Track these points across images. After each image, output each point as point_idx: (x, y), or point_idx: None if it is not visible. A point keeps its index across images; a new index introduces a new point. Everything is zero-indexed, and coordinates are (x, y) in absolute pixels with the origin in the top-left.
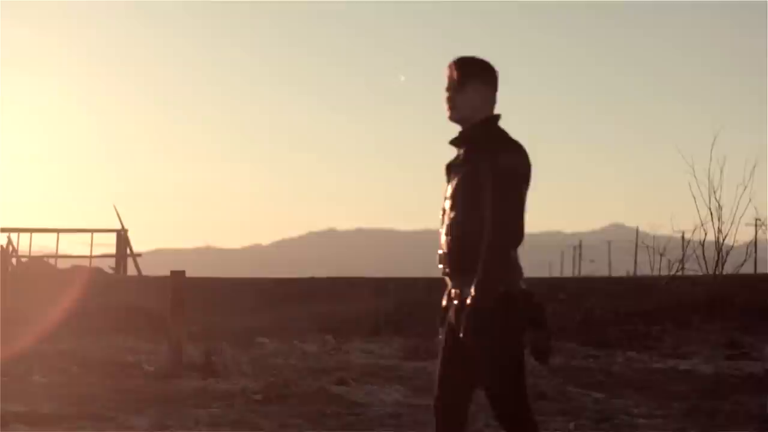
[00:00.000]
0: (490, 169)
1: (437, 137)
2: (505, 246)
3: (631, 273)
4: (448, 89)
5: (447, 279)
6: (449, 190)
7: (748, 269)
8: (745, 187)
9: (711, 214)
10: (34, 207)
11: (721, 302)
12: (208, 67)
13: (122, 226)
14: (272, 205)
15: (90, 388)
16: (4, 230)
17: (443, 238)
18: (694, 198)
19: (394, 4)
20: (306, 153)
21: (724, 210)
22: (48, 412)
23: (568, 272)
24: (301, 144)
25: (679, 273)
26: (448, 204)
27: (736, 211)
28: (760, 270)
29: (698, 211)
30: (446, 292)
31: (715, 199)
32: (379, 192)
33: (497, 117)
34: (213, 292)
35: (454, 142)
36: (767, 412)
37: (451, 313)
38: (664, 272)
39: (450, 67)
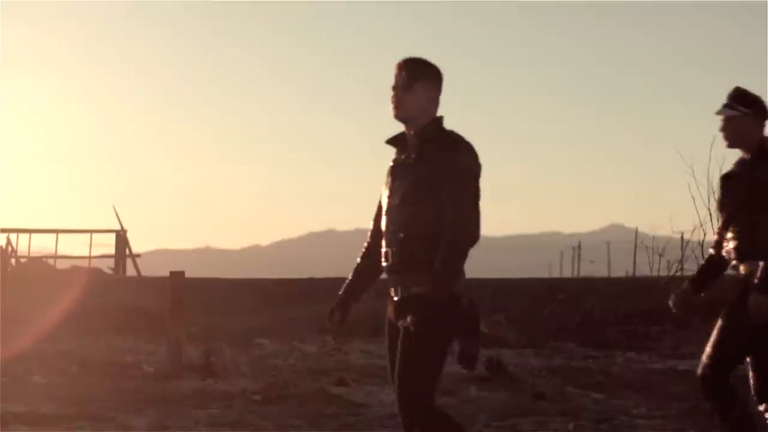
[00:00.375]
0: (447, 169)
1: None
2: (464, 245)
3: (631, 273)
4: (395, 88)
5: (391, 276)
6: (399, 189)
7: None
8: None
9: (710, 214)
10: (34, 207)
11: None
12: (209, 67)
13: (121, 227)
14: (272, 205)
15: (89, 388)
16: (3, 231)
17: (393, 236)
18: (694, 198)
19: (395, 4)
20: (305, 153)
21: None
22: (47, 413)
23: (567, 273)
24: (300, 145)
25: (679, 273)
26: (396, 202)
27: None
28: None
29: (697, 211)
30: (346, 285)
31: (715, 199)
32: (378, 192)
33: (442, 118)
34: (212, 292)
35: (396, 141)
36: None
37: (391, 309)
38: (664, 273)
39: (398, 66)
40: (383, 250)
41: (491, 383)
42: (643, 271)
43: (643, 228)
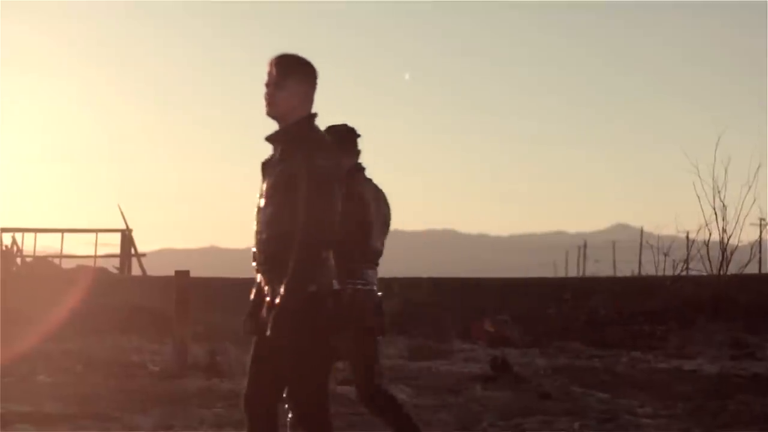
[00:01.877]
0: (305, 169)
1: (439, 138)
2: (316, 246)
3: (636, 273)
4: (268, 85)
5: (260, 276)
6: (265, 188)
7: (752, 269)
8: (750, 187)
9: (715, 214)
10: (39, 207)
11: (725, 302)
12: (213, 66)
13: (127, 226)
14: None
15: (94, 387)
16: (8, 230)
17: (258, 236)
18: (699, 198)
19: (397, 5)
20: None
21: (728, 210)
22: (52, 412)
23: (572, 272)
24: None
25: (684, 273)
26: (262, 202)
27: (740, 211)
28: (765, 270)
29: (703, 211)
30: (255, 289)
31: (720, 199)
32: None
33: (314, 116)
34: (217, 292)
35: (270, 139)
36: None
37: (264, 311)
38: (669, 272)
39: (270, 63)
40: (253, 250)
41: (497, 382)
42: (649, 270)
43: (649, 227)
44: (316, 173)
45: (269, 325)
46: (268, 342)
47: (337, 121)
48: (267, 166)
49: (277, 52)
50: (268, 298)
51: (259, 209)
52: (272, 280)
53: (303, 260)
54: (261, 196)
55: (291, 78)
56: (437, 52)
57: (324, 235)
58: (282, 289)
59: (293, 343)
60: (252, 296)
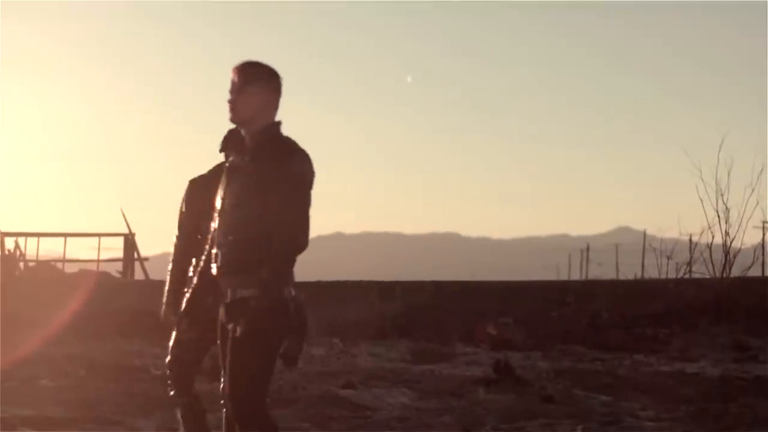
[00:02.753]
0: (279, 175)
1: (445, 141)
2: (293, 251)
3: (639, 276)
4: (231, 92)
5: (221, 278)
6: (232, 191)
7: (755, 272)
8: (753, 190)
9: (718, 216)
10: (41, 210)
11: (728, 305)
12: (213, 67)
13: (129, 230)
14: None
15: (97, 391)
16: (11, 235)
17: (223, 238)
18: (702, 201)
19: (396, 4)
20: (313, 157)
21: (731, 212)
22: (55, 416)
23: (575, 275)
24: (307, 147)
25: (687, 276)
26: (228, 204)
27: (743, 214)
28: None
29: (705, 213)
30: (195, 288)
31: (723, 201)
32: (385, 195)
33: (280, 123)
34: None
35: (226, 146)
36: None
37: (222, 312)
38: (672, 275)
39: (234, 70)
40: (214, 251)
41: (499, 386)
42: (652, 273)
43: (651, 230)
44: (291, 179)
45: (237, 325)
46: (233, 341)
47: (307, 118)
48: (233, 170)
49: (241, 60)
50: (227, 300)
51: (223, 211)
52: (235, 283)
53: (279, 264)
54: (224, 198)
55: (253, 85)
56: (437, 53)
57: (298, 241)
58: (254, 291)
59: (255, 344)
60: (189, 294)
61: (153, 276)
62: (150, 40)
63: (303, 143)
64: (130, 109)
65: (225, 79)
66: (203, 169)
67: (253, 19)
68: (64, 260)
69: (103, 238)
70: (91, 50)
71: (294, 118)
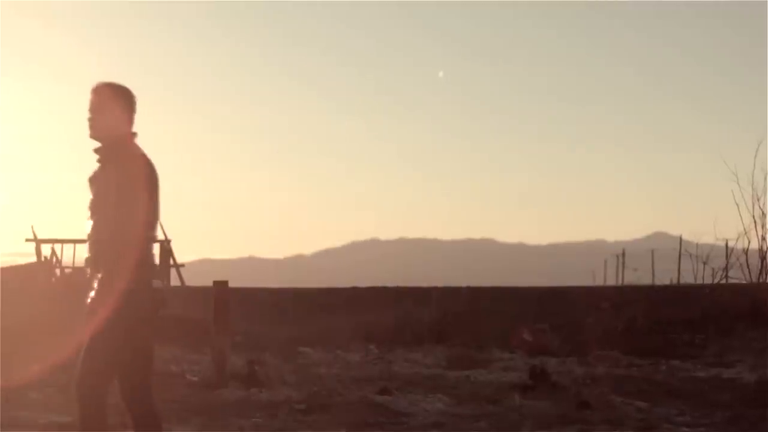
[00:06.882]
0: (114, 180)
1: (479, 148)
2: (123, 248)
3: (675, 281)
4: (89, 111)
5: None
6: (90, 199)
7: None
8: None
9: (755, 221)
10: (78, 218)
11: (765, 310)
12: (251, 75)
13: (165, 237)
14: (315, 214)
15: None
16: (47, 241)
17: (88, 240)
18: (738, 205)
19: (413, 5)
20: (349, 163)
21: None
22: None
23: (611, 281)
24: (344, 154)
25: (723, 281)
26: (89, 211)
27: None
28: None
29: (742, 218)
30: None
31: (759, 206)
32: (421, 201)
33: (132, 134)
34: (256, 302)
35: (97, 157)
36: None
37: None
38: (708, 280)
39: (92, 91)
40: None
41: (535, 392)
42: (688, 278)
43: (687, 236)
44: (121, 181)
45: (88, 320)
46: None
47: (343, 123)
48: (91, 180)
49: (99, 81)
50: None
51: (88, 216)
52: (95, 278)
53: (109, 260)
54: (88, 207)
55: (108, 104)
56: (472, 53)
57: (127, 237)
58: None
59: (99, 333)
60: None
61: (189, 282)
62: (167, 44)
63: (341, 149)
64: (164, 118)
65: (267, 88)
66: (241, 177)
67: (266, 18)
68: None
69: None
70: (107, 53)
71: (331, 123)
